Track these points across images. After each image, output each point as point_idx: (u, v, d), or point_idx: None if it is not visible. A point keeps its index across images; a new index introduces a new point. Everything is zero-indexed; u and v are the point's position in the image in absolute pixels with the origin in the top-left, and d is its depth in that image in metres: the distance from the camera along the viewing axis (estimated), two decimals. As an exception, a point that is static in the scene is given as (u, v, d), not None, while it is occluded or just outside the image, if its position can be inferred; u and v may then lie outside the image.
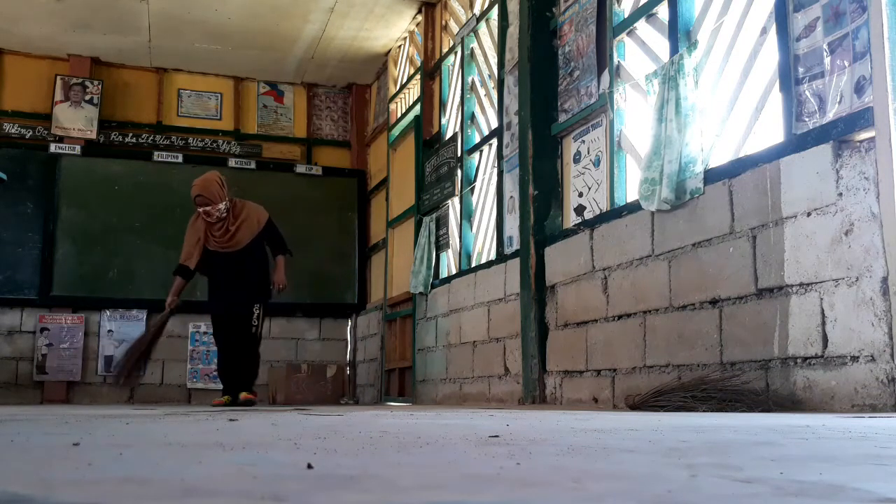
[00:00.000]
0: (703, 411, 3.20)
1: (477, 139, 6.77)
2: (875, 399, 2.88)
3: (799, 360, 3.22)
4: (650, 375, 4.09)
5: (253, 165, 9.22)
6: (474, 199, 6.80)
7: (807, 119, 3.32)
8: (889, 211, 2.84)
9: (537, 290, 5.20)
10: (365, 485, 0.98)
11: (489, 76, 6.61)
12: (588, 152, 5.01)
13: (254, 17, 8.06)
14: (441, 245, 7.20)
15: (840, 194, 3.07)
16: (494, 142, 6.30)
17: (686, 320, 3.89)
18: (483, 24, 6.72)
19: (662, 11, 4.44)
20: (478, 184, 6.76)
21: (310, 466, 1.14)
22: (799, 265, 3.24)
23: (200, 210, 5.64)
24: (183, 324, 8.54)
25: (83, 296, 8.43)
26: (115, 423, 2.61)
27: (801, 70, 3.36)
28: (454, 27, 7.48)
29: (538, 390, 5.11)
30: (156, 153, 8.96)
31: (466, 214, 6.82)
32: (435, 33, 7.84)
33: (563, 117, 5.27)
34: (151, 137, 9.12)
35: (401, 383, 8.02)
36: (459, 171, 6.89)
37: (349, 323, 9.44)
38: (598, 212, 4.83)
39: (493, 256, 6.21)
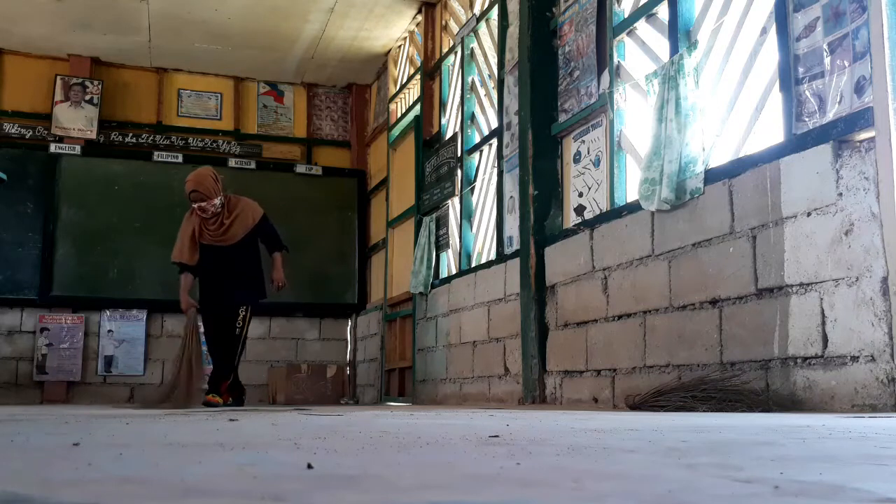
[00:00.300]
0: (703, 411, 3.20)
1: (477, 139, 6.77)
2: (875, 399, 2.88)
3: (799, 360, 3.22)
4: (650, 375, 4.09)
5: (253, 165, 9.22)
6: (474, 199, 6.80)
7: (807, 119, 3.31)
8: (889, 211, 2.84)
9: (537, 290, 5.20)
10: (365, 485, 0.98)
11: (489, 76, 6.61)
12: (588, 152, 5.01)
13: (254, 17, 8.06)
14: (441, 245, 7.21)
15: (840, 194, 3.07)
16: (494, 142, 6.30)
17: (686, 320, 3.89)
18: (483, 24, 6.72)
19: (662, 11, 4.44)
20: (478, 184, 6.76)
21: (310, 466, 1.14)
22: (799, 265, 3.24)
23: (195, 206, 5.52)
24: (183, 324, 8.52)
25: (83, 296, 8.42)
26: (115, 423, 2.62)
27: (801, 70, 3.36)
28: (454, 27, 7.48)
29: (538, 390, 5.11)
30: (156, 153, 8.96)
31: (466, 214, 6.82)
32: (435, 33, 7.84)
33: (563, 117, 5.27)
34: (151, 137, 9.12)
35: (401, 383, 8.02)
36: (459, 171, 6.89)
37: (349, 323, 9.44)
38: (598, 212, 4.83)
39: (493, 256, 6.21)
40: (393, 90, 8.92)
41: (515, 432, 1.96)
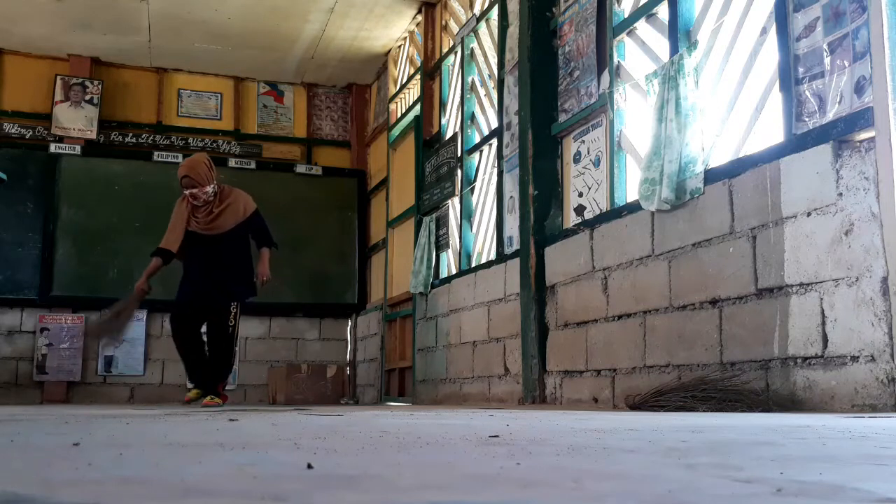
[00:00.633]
0: (703, 411, 3.20)
1: (477, 139, 6.77)
2: (875, 399, 2.88)
3: (799, 360, 3.22)
4: (650, 375, 4.09)
5: (253, 165, 9.22)
6: (474, 199, 6.80)
7: (807, 119, 3.32)
8: (889, 211, 2.84)
9: (537, 290, 5.20)
10: (365, 485, 0.98)
11: (489, 76, 6.61)
12: (588, 152, 5.01)
13: (254, 17, 8.06)
14: (441, 245, 7.21)
15: (840, 194, 3.07)
16: (494, 142, 6.30)
17: (686, 320, 3.89)
18: (483, 24, 6.72)
19: (662, 11, 4.44)
20: (478, 184, 6.76)
21: (310, 466, 1.14)
22: (799, 265, 3.24)
23: (187, 192, 5.34)
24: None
25: (83, 296, 8.41)
26: (115, 423, 2.61)
27: (801, 70, 3.36)
28: (454, 27, 7.49)
29: (538, 390, 5.11)
30: (156, 153, 8.96)
31: (466, 214, 6.82)
32: (435, 33, 7.84)
33: (563, 117, 5.27)
34: (151, 137, 9.13)
35: (401, 383, 8.02)
36: (459, 171, 6.89)
37: (349, 323, 9.44)
38: (598, 212, 4.83)
39: (493, 256, 6.21)
40: (393, 90, 8.92)
41: (515, 432, 1.96)
